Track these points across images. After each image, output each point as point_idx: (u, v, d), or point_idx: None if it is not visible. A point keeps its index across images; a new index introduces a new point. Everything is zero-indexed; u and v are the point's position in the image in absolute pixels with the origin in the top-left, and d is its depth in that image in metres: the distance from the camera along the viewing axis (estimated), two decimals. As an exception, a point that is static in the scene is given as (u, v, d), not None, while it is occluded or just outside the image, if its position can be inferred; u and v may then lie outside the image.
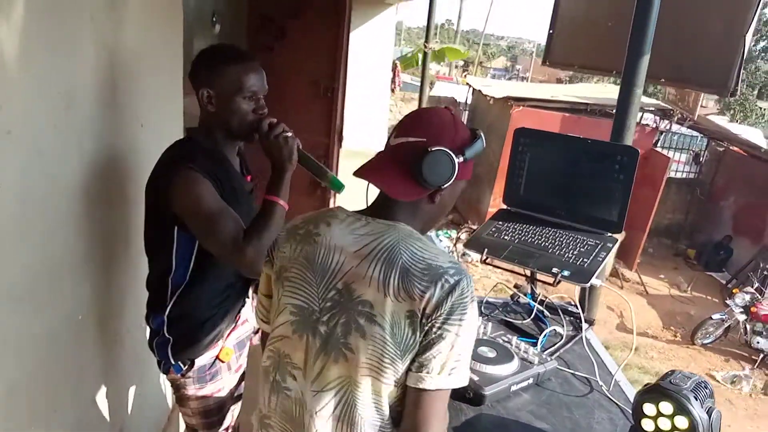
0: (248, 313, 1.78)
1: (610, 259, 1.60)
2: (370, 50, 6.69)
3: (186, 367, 1.64)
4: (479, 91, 10.11)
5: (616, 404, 1.47)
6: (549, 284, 1.62)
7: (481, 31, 25.12)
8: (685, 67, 2.69)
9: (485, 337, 1.63)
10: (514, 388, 1.45)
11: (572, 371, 1.60)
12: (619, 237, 1.66)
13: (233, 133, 1.57)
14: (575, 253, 1.62)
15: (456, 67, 24.98)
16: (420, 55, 7.35)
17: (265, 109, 1.56)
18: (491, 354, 1.50)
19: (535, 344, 1.68)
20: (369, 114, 6.70)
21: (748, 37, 2.24)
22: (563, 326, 1.78)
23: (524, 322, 1.83)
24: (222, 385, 1.71)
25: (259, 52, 4.04)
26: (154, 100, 2.10)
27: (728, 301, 7.28)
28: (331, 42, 4.13)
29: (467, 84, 11.72)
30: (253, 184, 1.76)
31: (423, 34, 6.48)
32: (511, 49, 42.42)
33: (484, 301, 1.93)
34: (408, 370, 1.03)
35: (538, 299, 1.89)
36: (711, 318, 7.07)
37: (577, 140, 1.71)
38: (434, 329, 0.99)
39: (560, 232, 1.71)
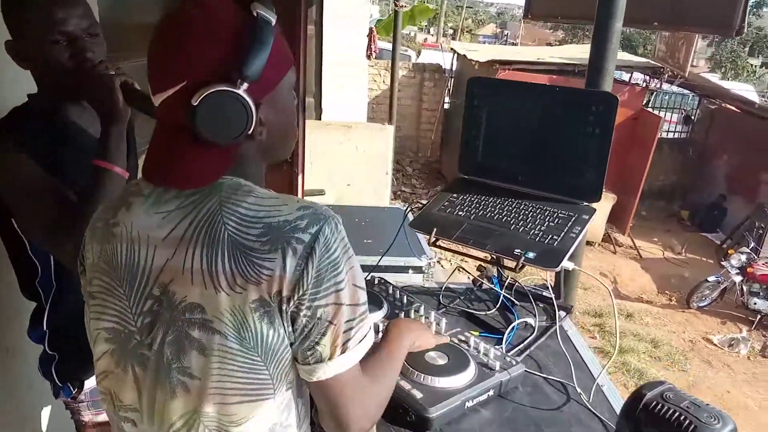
0: None
1: (583, 236, 1.29)
2: (342, 14, 6.30)
3: (75, 389, 1.36)
4: (464, 56, 9.68)
5: (598, 417, 1.17)
6: (511, 269, 1.31)
7: (467, -4, 24.44)
8: (682, 7, 2.37)
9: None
10: (469, 404, 1.15)
11: (544, 375, 1.30)
12: (598, 206, 1.35)
13: (62, 90, 1.21)
14: (543, 228, 1.30)
15: (445, 35, 24.46)
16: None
17: (90, 51, 1.17)
18: (441, 361, 1.20)
19: (500, 342, 1.38)
20: (345, 83, 6.34)
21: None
22: (535, 316, 1.48)
23: (488, 313, 1.52)
24: None
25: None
26: None
27: (723, 263, 7.05)
28: (289, 5, 3.77)
29: (451, 50, 11.28)
30: None
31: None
32: (500, 16, 41.58)
33: (443, 288, 1.62)
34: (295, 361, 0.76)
35: (506, 284, 1.58)
36: (707, 280, 6.85)
37: (542, 89, 1.38)
38: (303, 310, 0.71)
39: (526, 204, 1.38)
